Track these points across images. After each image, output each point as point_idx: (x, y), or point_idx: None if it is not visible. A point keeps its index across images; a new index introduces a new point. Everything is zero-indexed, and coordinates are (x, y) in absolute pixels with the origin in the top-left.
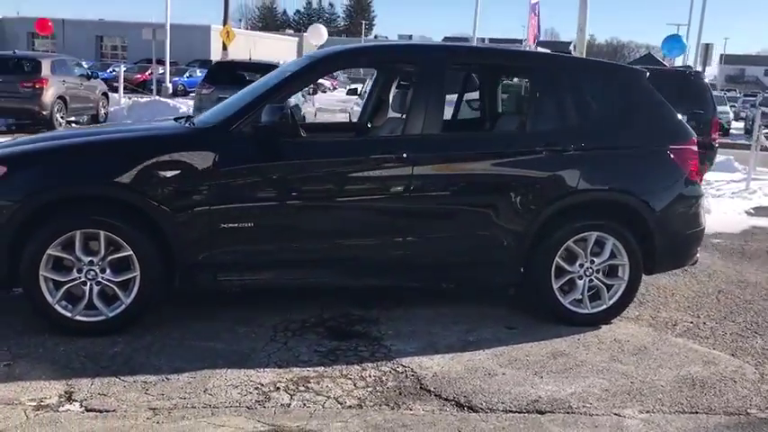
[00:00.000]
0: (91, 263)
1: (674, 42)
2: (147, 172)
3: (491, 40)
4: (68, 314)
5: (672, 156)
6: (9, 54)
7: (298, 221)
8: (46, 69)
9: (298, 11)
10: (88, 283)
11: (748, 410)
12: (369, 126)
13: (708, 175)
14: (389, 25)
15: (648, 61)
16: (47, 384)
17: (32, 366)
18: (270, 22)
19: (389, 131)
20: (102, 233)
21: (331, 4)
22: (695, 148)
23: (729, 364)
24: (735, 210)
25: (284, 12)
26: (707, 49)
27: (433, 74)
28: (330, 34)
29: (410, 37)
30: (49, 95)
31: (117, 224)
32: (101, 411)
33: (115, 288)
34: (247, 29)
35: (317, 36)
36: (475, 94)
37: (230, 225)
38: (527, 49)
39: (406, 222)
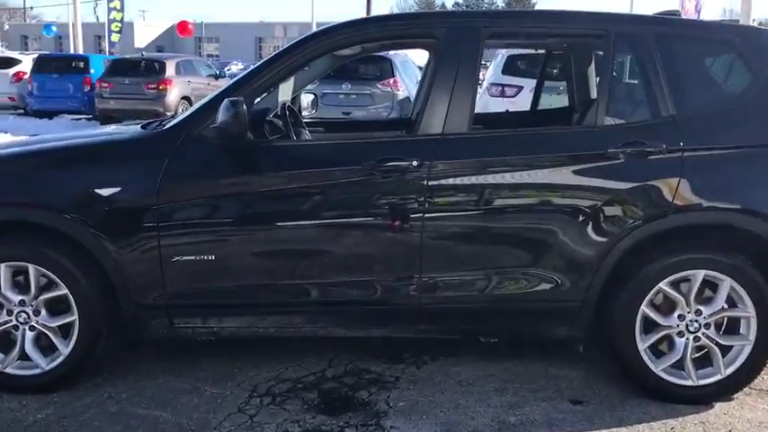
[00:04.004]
0: (22, 303)
1: None
2: (76, 189)
3: None
4: None
5: None
6: (137, 57)
7: (272, 254)
8: (170, 70)
9: (456, 2)
10: (20, 328)
11: None
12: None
13: None
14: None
15: None
16: None
17: None
18: None
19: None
20: (30, 266)
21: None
22: None
23: None
24: None
25: (442, 4)
26: None
27: (462, 50)
28: None
29: None
30: (173, 96)
31: (47, 255)
32: None
33: (50, 334)
34: None
35: None
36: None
37: (185, 258)
38: None
39: (421, 254)
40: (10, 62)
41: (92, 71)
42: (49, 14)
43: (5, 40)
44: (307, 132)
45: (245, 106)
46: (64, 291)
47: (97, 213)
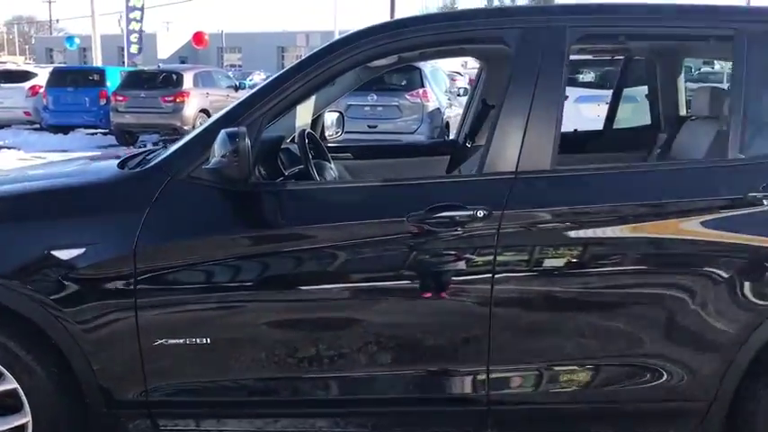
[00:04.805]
0: None
1: None
2: (27, 251)
3: None
4: None
5: None
6: (153, 68)
7: (286, 336)
8: (188, 82)
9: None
10: None
11: None
12: (468, 146)
13: None
14: None
15: None
16: None
17: None
18: None
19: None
20: None
21: (513, 3)
22: None
23: None
24: None
25: None
26: None
27: (542, 58)
28: None
29: None
30: (190, 109)
31: None
32: None
33: None
34: None
35: None
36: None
37: (172, 341)
38: None
39: (490, 337)
40: (26, 75)
41: (108, 84)
42: (73, 27)
43: (32, 53)
44: (332, 166)
45: (248, 139)
46: (13, 384)
47: (55, 282)
